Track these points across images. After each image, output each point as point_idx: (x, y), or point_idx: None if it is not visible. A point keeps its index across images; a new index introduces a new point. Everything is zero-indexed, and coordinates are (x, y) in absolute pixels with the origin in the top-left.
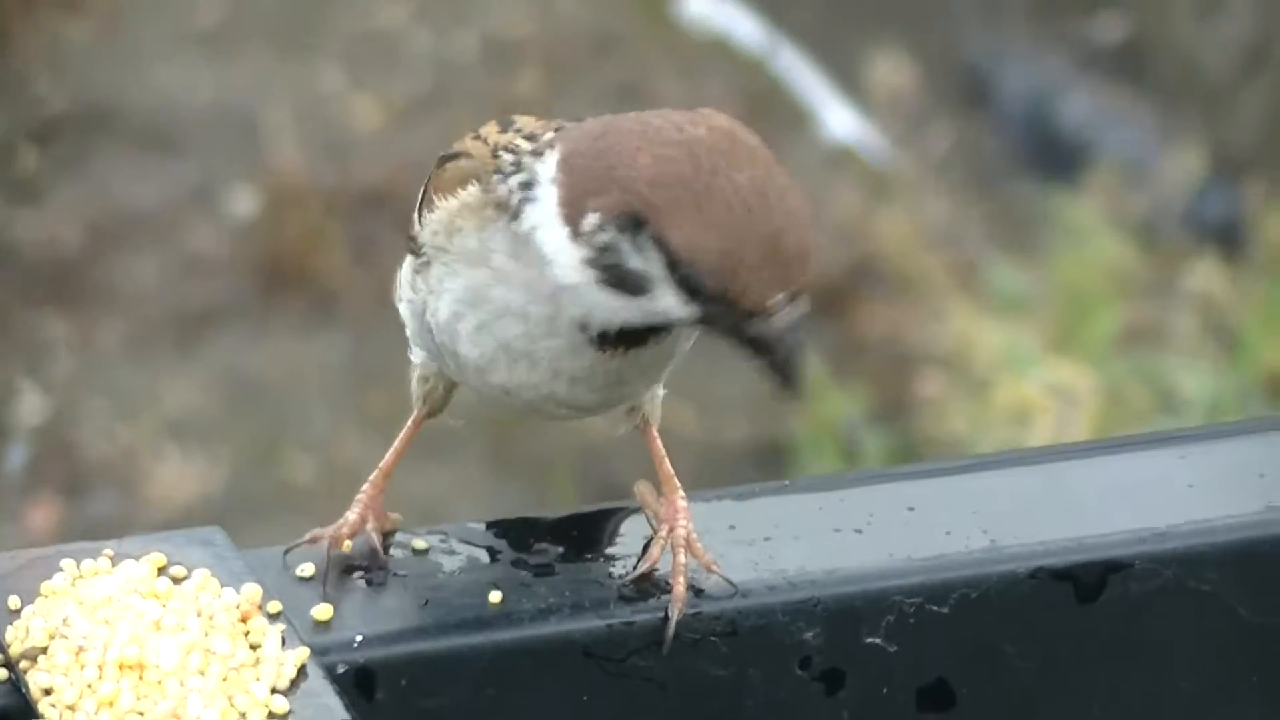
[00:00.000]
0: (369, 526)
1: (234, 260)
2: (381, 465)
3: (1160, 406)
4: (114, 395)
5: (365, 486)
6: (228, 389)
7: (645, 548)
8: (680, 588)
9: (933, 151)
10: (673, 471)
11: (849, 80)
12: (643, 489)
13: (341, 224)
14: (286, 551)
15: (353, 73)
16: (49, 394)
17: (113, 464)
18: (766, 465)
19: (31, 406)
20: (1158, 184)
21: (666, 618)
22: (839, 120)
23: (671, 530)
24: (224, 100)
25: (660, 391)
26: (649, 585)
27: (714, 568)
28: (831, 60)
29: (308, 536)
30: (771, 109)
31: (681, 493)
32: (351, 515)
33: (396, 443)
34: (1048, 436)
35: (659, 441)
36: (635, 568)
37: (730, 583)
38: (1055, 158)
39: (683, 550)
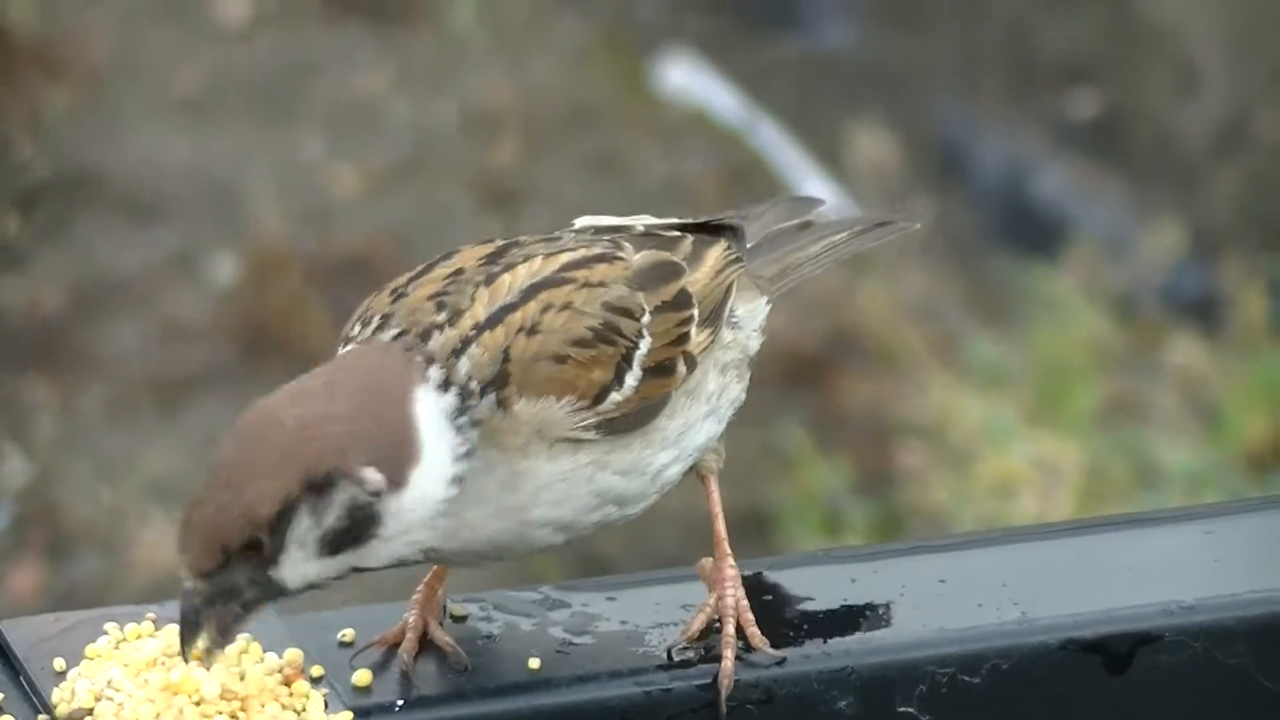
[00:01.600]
0: (432, 628)
1: (215, 326)
2: (435, 569)
3: (1142, 481)
4: (96, 459)
5: (420, 588)
6: (210, 453)
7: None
8: (729, 662)
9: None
10: (725, 535)
11: (827, 154)
12: (705, 564)
13: (321, 290)
14: (354, 658)
15: (332, 141)
16: (31, 457)
17: (96, 527)
18: (751, 534)
19: (14, 469)
20: (1135, 259)
21: (716, 691)
22: (817, 193)
23: (720, 599)
24: (205, 167)
25: (721, 446)
26: (692, 653)
27: (761, 645)
28: (810, 134)
29: (376, 639)
30: (751, 181)
31: (732, 560)
32: (411, 617)
33: None
34: (1031, 510)
35: (716, 498)
36: (682, 635)
37: (778, 658)
38: (1031, 232)
39: (731, 620)
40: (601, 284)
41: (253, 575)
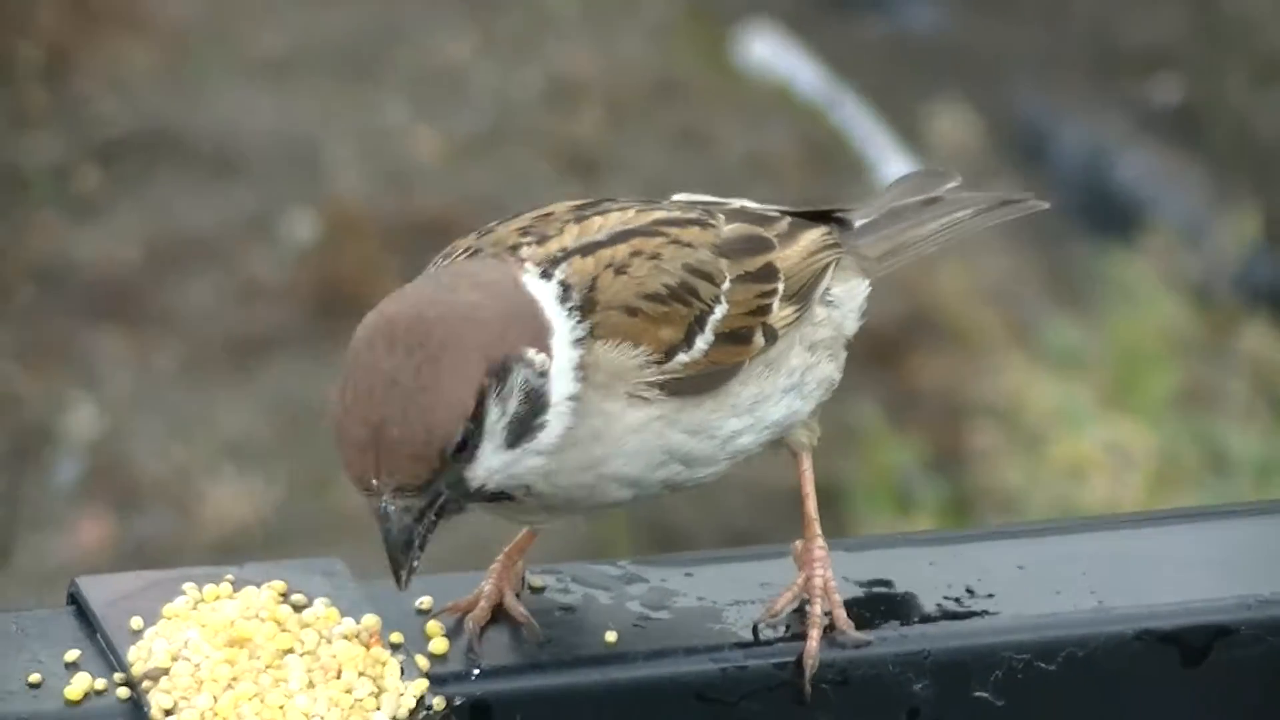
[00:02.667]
0: (508, 599)
1: (290, 286)
2: (517, 540)
3: (1212, 468)
4: (169, 415)
5: (500, 557)
6: (283, 414)
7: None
8: (814, 642)
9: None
10: (816, 515)
11: (909, 133)
12: (797, 546)
13: (398, 254)
14: (427, 620)
15: (415, 105)
16: (104, 410)
17: (166, 483)
18: (821, 511)
19: (86, 421)
20: (1211, 247)
21: (800, 670)
22: (898, 172)
23: (809, 579)
24: (286, 127)
25: (814, 423)
26: (773, 631)
27: (847, 627)
28: (892, 112)
29: (449, 605)
30: (832, 158)
31: (821, 540)
32: (487, 586)
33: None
34: (1102, 495)
35: (808, 477)
36: (767, 612)
37: (863, 641)
38: (1110, 216)
39: (819, 601)
40: (689, 245)
41: (452, 478)
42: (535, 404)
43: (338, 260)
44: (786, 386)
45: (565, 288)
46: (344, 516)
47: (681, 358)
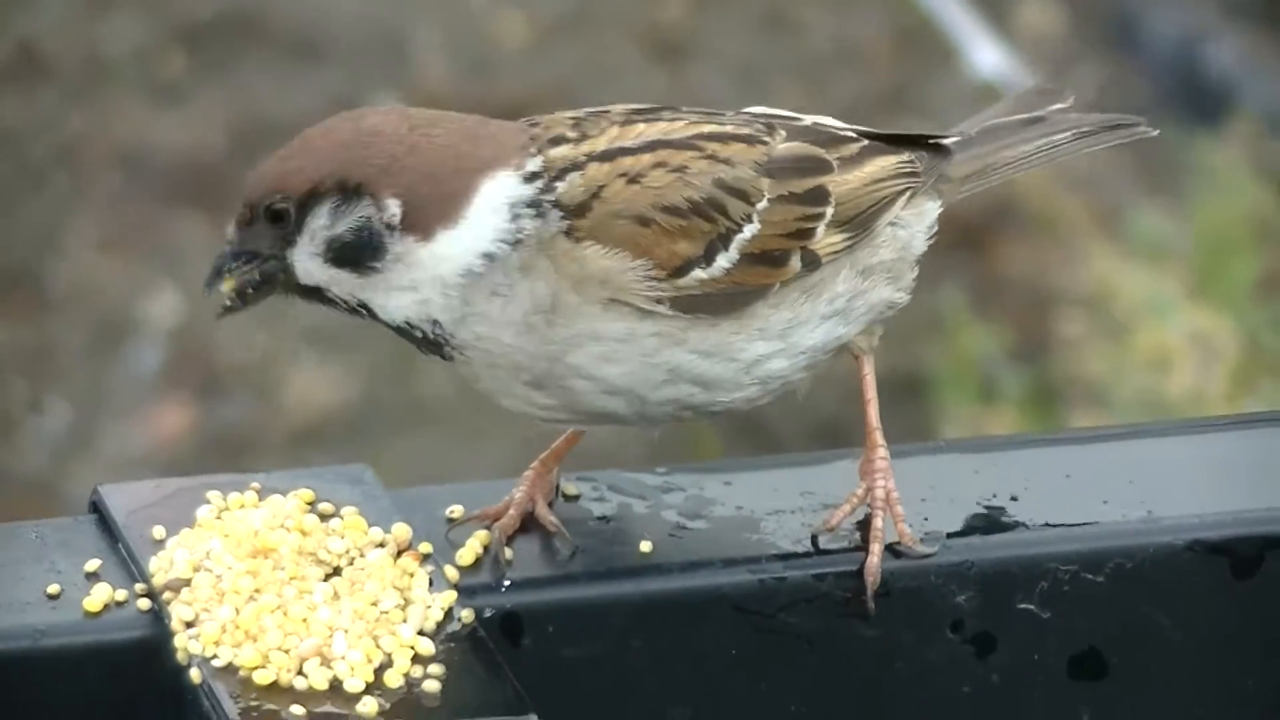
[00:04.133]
0: (538, 507)
1: None
2: (553, 447)
3: None
4: None
5: (534, 464)
6: None
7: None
8: (875, 557)
9: (1078, 93)
10: (878, 423)
11: (998, 18)
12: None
13: None
14: (449, 529)
15: None
16: (186, 297)
17: (247, 371)
18: (906, 399)
19: (167, 309)
20: None
21: (862, 585)
22: (986, 58)
23: (870, 490)
24: (371, 12)
25: (877, 329)
26: (831, 539)
27: (912, 542)
28: None
29: (476, 514)
30: (919, 43)
31: (883, 449)
32: (518, 494)
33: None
34: (1187, 384)
35: (869, 381)
36: (825, 523)
37: (927, 553)
38: (1200, 103)
39: (881, 513)
40: (727, 161)
41: (272, 245)
42: (367, 243)
43: None
44: (828, 313)
45: (540, 202)
46: (424, 404)
47: (698, 274)
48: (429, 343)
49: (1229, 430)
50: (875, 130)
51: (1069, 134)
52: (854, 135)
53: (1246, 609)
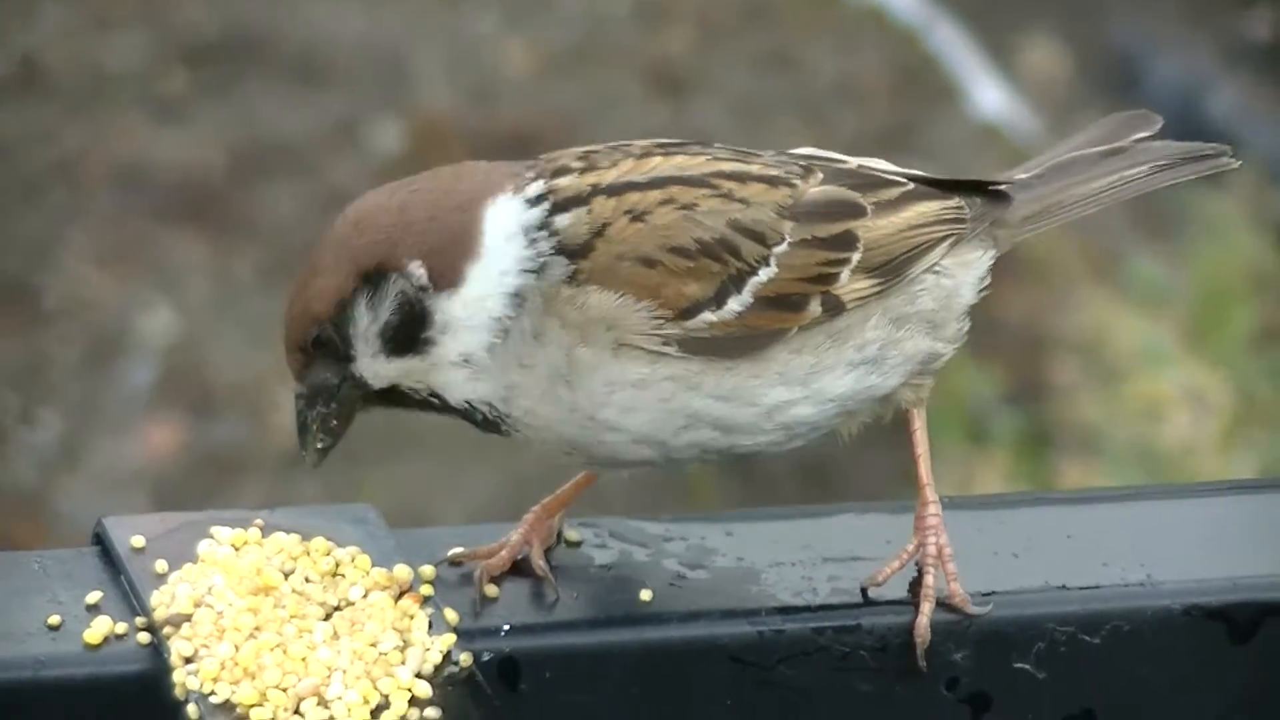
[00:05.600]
0: (532, 551)
1: None
2: (559, 493)
3: None
4: (245, 322)
5: (535, 508)
6: None
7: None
8: (925, 616)
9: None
10: (929, 478)
11: (1001, 60)
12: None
13: None
14: (438, 564)
15: (505, 18)
16: (180, 315)
17: (240, 390)
18: (896, 437)
19: (162, 326)
20: None
21: (913, 644)
22: (989, 98)
23: (922, 547)
24: (374, 36)
25: (924, 380)
26: (879, 594)
27: (963, 604)
28: (986, 39)
29: (466, 552)
30: (923, 82)
31: (935, 505)
32: (514, 536)
33: (580, 475)
34: (1180, 435)
35: (919, 438)
36: (874, 577)
37: (979, 615)
38: None
39: (932, 570)
40: (743, 201)
41: (335, 371)
42: (412, 317)
43: (422, 171)
44: (856, 360)
45: (547, 220)
46: (412, 431)
47: (707, 316)
48: (489, 423)
49: (1228, 495)
50: (930, 175)
51: (1145, 167)
52: (899, 179)
53: (1243, 674)
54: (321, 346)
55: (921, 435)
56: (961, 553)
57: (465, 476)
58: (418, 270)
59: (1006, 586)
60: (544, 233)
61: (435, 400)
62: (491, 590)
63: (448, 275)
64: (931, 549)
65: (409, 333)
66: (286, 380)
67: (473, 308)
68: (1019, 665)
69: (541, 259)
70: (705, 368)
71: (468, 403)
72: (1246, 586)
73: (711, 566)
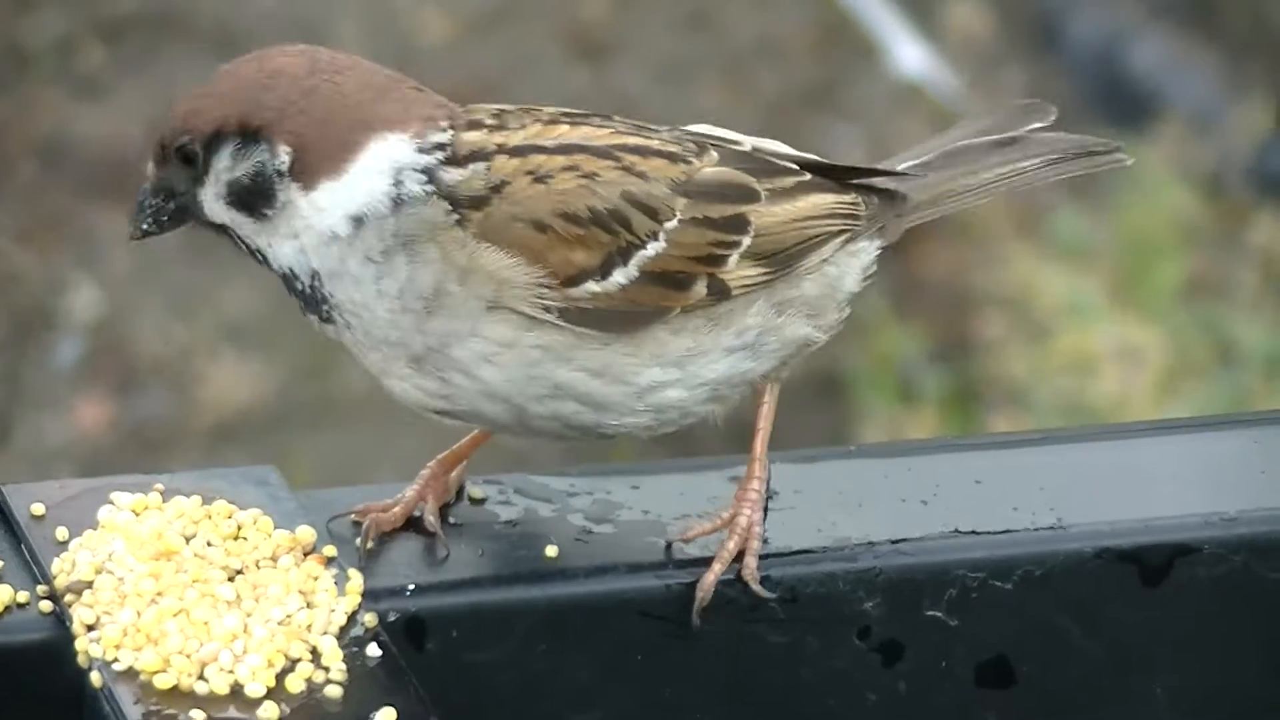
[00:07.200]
0: (426, 507)
1: None
2: (455, 447)
3: (1221, 359)
4: (169, 295)
5: (431, 463)
6: (284, 296)
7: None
8: (712, 575)
9: (1002, 94)
10: (762, 455)
11: (923, 18)
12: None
13: None
14: (330, 520)
15: None
16: (104, 290)
17: (166, 365)
18: (825, 398)
19: (86, 302)
20: (1224, 136)
21: (692, 598)
22: (910, 56)
23: (735, 516)
24: (290, 7)
25: (793, 362)
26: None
27: (751, 579)
28: None
29: (359, 508)
30: (844, 41)
31: (759, 482)
32: (409, 492)
33: (475, 431)
34: (1111, 389)
35: (765, 411)
36: (681, 533)
37: (764, 598)
38: (1123, 104)
39: (736, 540)
40: (642, 175)
41: (184, 184)
42: (259, 189)
43: None
44: (734, 346)
45: (433, 179)
46: (340, 402)
47: (591, 286)
48: (310, 299)
49: (1144, 436)
50: (827, 162)
51: (1038, 160)
52: (795, 167)
53: (1154, 617)
54: (183, 156)
55: (768, 410)
56: (868, 500)
57: (395, 445)
58: (284, 154)
59: (914, 533)
60: (422, 176)
61: (259, 256)
62: (368, 545)
63: (306, 175)
64: (743, 521)
65: (251, 199)
66: (210, 353)
67: (311, 216)
68: (931, 613)
69: (405, 200)
70: (579, 341)
71: (290, 269)
72: (1158, 528)
73: (617, 520)
